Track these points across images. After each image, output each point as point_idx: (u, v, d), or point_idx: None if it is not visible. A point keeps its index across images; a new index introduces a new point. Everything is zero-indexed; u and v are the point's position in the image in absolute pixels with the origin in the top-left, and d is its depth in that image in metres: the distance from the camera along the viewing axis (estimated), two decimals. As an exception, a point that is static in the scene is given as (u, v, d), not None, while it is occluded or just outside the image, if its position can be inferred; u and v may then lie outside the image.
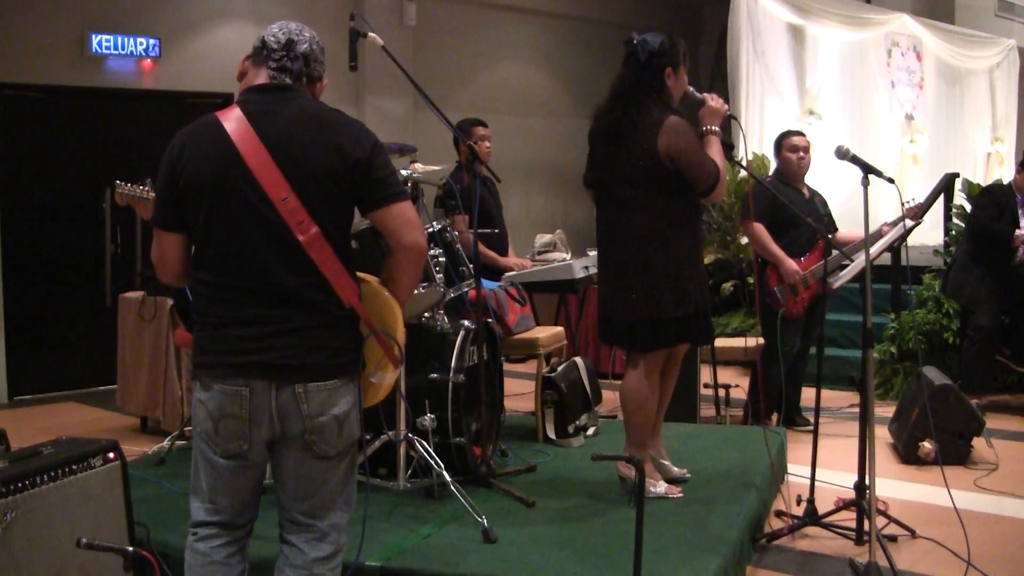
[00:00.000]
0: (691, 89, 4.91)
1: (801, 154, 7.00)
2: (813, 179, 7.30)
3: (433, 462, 4.65)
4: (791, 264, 6.77)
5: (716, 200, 4.71)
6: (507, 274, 6.80)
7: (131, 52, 9.42)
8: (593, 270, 6.89)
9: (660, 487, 4.88)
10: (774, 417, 7.06)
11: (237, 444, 3.02)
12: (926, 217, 9.59)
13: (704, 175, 4.67)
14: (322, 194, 2.95)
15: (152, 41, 9.46)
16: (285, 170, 2.92)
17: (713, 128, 4.82)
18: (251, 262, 2.94)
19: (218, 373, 2.98)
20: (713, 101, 4.85)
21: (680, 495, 4.89)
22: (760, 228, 6.80)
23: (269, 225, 2.92)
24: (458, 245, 5.41)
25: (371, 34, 4.85)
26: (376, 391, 3.19)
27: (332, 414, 3.00)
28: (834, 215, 7.35)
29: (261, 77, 3.12)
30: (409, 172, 4.82)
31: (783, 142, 7.04)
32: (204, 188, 2.96)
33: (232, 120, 2.98)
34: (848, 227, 7.32)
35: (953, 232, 9.71)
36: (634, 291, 4.77)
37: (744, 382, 7.53)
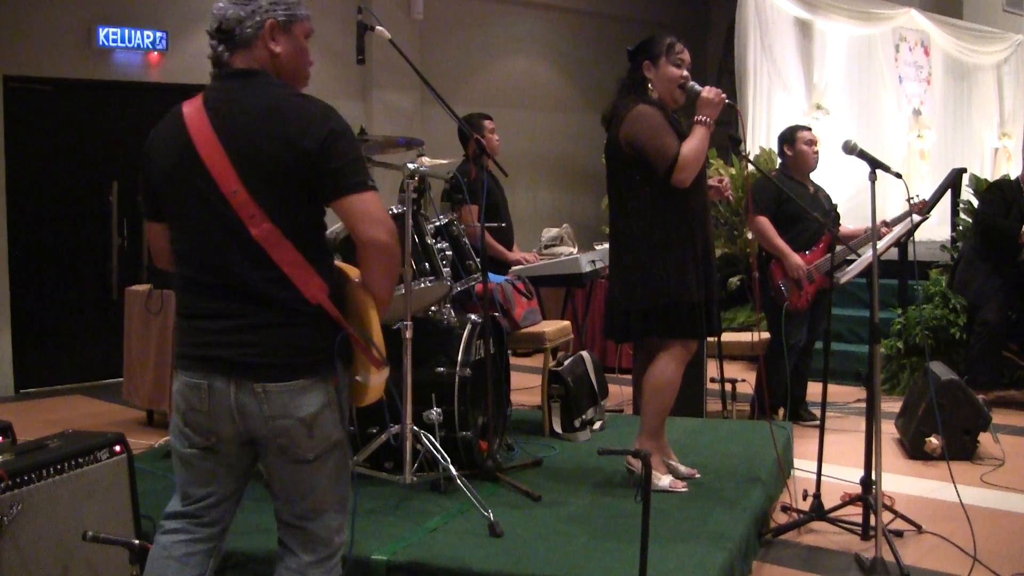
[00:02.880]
0: (691, 83, 4.92)
1: (815, 147, 7.01)
2: (820, 174, 7.29)
3: (439, 456, 4.65)
4: (796, 258, 6.77)
5: (680, 185, 4.73)
6: (514, 268, 6.79)
7: (138, 45, 9.43)
8: (599, 264, 6.88)
9: (664, 481, 4.88)
10: (780, 412, 7.06)
11: (201, 439, 2.94)
12: (933, 212, 9.62)
13: (659, 158, 4.73)
14: (273, 187, 2.79)
15: (159, 34, 9.47)
16: (235, 162, 2.78)
17: (703, 119, 4.84)
18: (212, 256, 2.84)
19: (184, 364, 2.91)
20: (708, 92, 4.87)
21: (685, 490, 4.89)
22: (765, 222, 6.80)
23: (224, 219, 2.79)
24: (465, 239, 5.41)
25: (378, 27, 4.85)
26: (363, 391, 3.01)
27: (296, 416, 2.84)
28: (841, 210, 7.34)
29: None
30: (416, 166, 4.81)
31: (798, 135, 7.02)
32: (166, 181, 2.91)
33: (191, 111, 2.88)
34: (855, 222, 7.31)
35: (960, 227, 9.70)
36: (615, 283, 4.99)
37: (751, 377, 7.52)
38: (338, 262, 3.04)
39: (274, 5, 2.92)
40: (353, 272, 2.99)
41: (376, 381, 2.99)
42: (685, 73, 4.93)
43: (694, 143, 4.78)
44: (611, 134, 4.93)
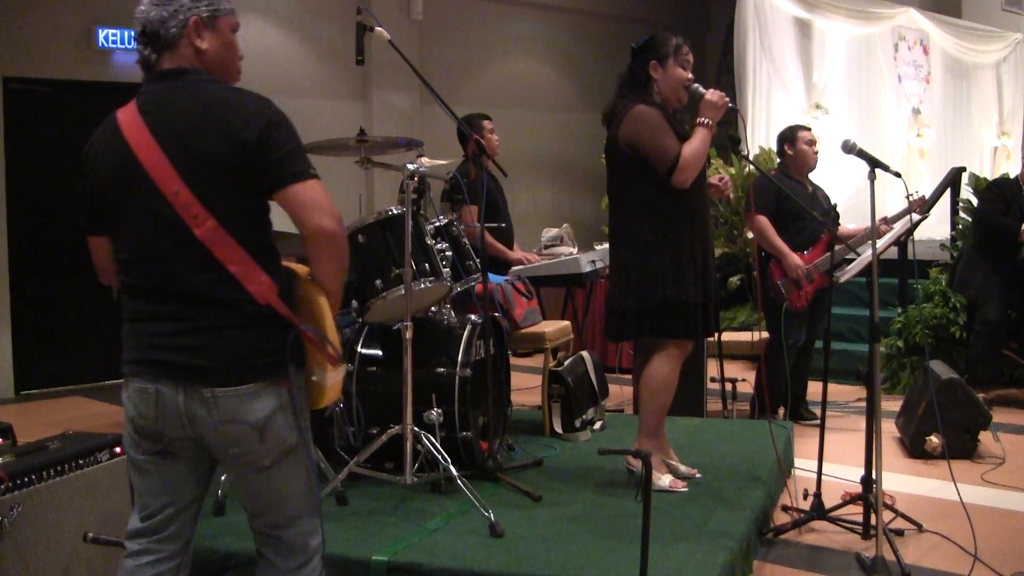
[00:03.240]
0: (696, 85, 4.93)
1: (815, 147, 7.02)
2: (820, 174, 7.29)
3: (440, 456, 4.65)
4: (794, 258, 6.77)
5: (680, 186, 4.74)
6: (514, 268, 6.79)
7: (138, 46, 9.42)
8: (599, 264, 6.88)
9: (664, 480, 4.89)
10: (780, 411, 7.06)
11: (153, 444, 2.88)
12: (933, 211, 9.63)
13: (660, 159, 4.74)
14: (216, 184, 2.73)
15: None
16: (176, 163, 2.73)
17: (705, 120, 4.85)
18: (155, 262, 2.79)
19: (131, 369, 2.86)
20: (711, 94, 4.87)
21: (685, 489, 4.89)
22: (764, 221, 6.80)
23: (167, 222, 2.74)
24: (465, 239, 5.41)
25: (378, 28, 4.85)
26: (320, 391, 2.94)
27: (247, 421, 2.77)
28: (840, 209, 7.35)
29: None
30: (416, 166, 4.81)
31: (798, 135, 7.03)
32: (108, 190, 2.86)
33: (126, 117, 2.83)
34: (855, 221, 7.31)
35: (960, 226, 9.70)
36: (611, 282, 5.01)
37: (751, 376, 7.53)
38: (286, 261, 2.97)
39: (196, 2, 2.87)
40: (301, 270, 2.94)
41: (333, 380, 2.94)
42: (690, 75, 4.94)
43: (695, 144, 4.78)
44: (611, 133, 4.93)
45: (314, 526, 3.01)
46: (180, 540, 3.01)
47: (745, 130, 5.32)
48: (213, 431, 2.78)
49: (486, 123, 7.14)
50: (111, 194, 2.85)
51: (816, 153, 7.03)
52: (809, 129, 7.22)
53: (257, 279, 2.76)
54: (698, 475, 5.10)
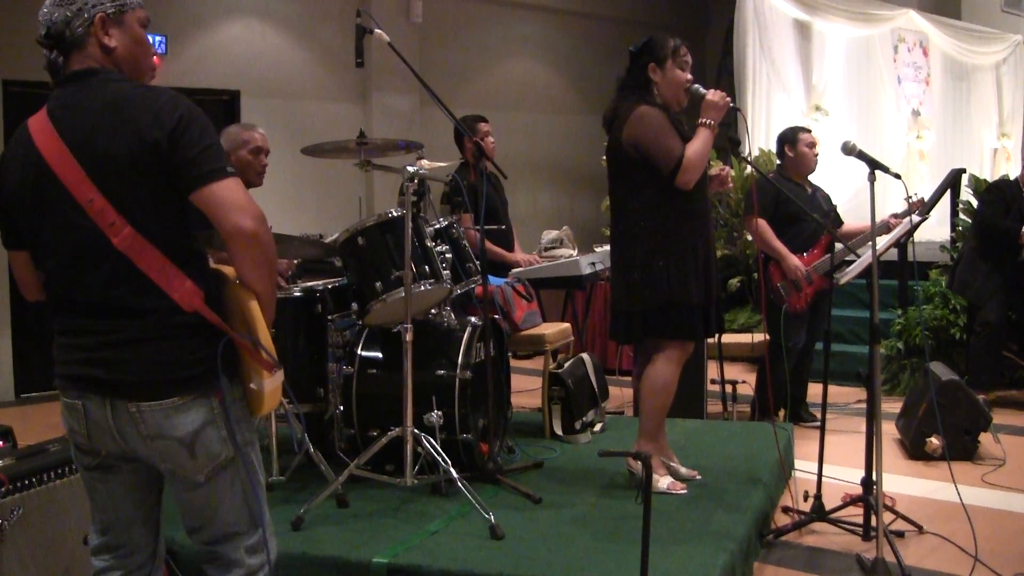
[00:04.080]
0: (696, 86, 4.93)
1: (816, 149, 7.02)
2: (819, 175, 7.30)
3: (440, 458, 4.65)
4: (794, 260, 6.77)
5: (684, 187, 4.75)
6: (514, 270, 6.79)
7: (136, 49, 9.42)
8: (599, 266, 6.89)
9: (663, 482, 4.88)
10: (781, 413, 7.06)
11: (89, 458, 2.80)
12: (933, 213, 9.64)
13: (664, 159, 4.75)
14: (129, 188, 2.59)
15: (158, 38, 9.46)
16: (88, 169, 2.59)
17: (707, 121, 4.85)
18: (74, 274, 2.66)
19: (59, 384, 2.76)
20: (712, 95, 4.88)
21: (684, 491, 4.89)
22: (763, 224, 6.80)
23: (84, 232, 2.61)
24: (464, 241, 5.41)
25: (377, 31, 4.85)
26: (259, 398, 2.77)
27: (174, 436, 2.65)
28: (840, 211, 7.35)
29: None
30: (415, 169, 4.81)
31: (799, 137, 7.02)
32: (22, 202, 2.72)
33: (36, 123, 2.72)
34: (854, 222, 7.31)
35: (960, 228, 9.70)
36: (616, 285, 4.99)
37: (751, 378, 7.53)
38: (214, 264, 2.85)
39: None
40: (230, 272, 2.79)
41: (271, 386, 2.77)
42: (689, 76, 4.95)
43: (698, 145, 4.79)
44: (613, 135, 4.93)
45: (255, 542, 2.87)
46: (143, 553, 2.94)
47: (747, 129, 5.32)
48: (143, 446, 2.69)
49: (482, 125, 7.14)
50: (25, 206, 2.72)
51: (816, 155, 7.03)
52: (810, 131, 7.22)
53: (180, 286, 2.63)
54: (698, 477, 5.10)
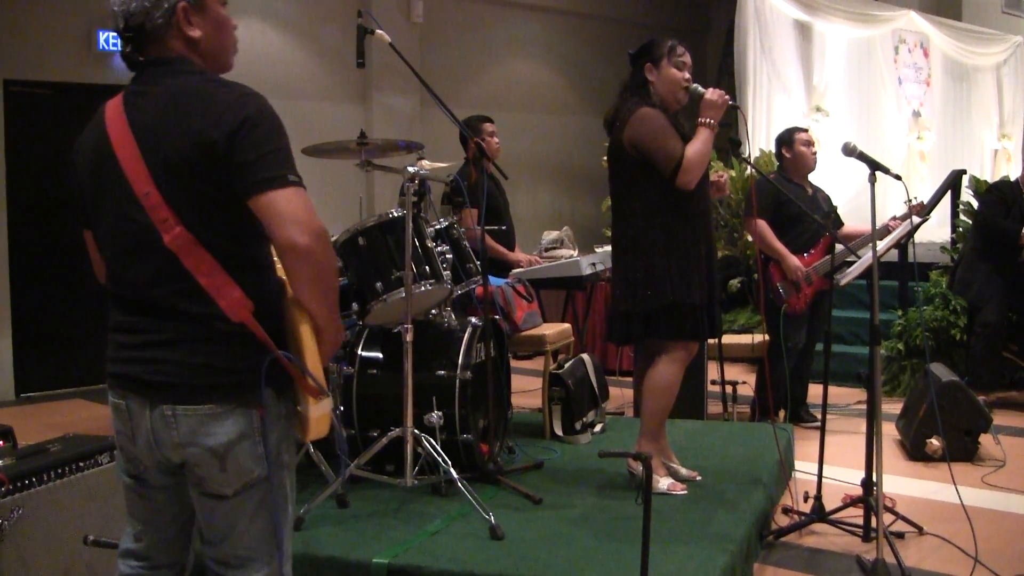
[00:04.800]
0: (695, 85, 4.94)
1: (813, 148, 7.02)
2: (820, 176, 7.30)
3: (440, 459, 4.65)
4: (794, 260, 6.77)
5: (685, 188, 4.75)
6: (514, 271, 6.79)
7: (138, 49, 9.43)
8: (600, 267, 6.89)
9: (663, 483, 4.88)
10: (781, 414, 7.06)
11: (130, 465, 2.70)
12: (933, 214, 9.64)
13: (664, 160, 4.75)
14: (185, 187, 2.48)
15: (159, 38, 9.47)
16: (148, 161, 2.50)
17: (707, 120, 4.85)
18: (124, 268, 2.60)
19: (107, 382, 2.67)
20: (712, 94, 4.88)
21: (684, 492, 4.89)
22: (763, 224, 6.80)
23: (136, 225, 2.53)
24: (465, 242, 5.41)
25: (378, 31, 4.85)
26: (304, 423, 2.63)
27: (206, 445, 2.52)
28: (841, 212, 7.35)
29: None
30: (416, 169, 4.82)
31: (795, 137, 7.03)
32: (88, 185, 2.67)
33: (111, 109, 2.63)
34: (855, 224, 7.32)
35: (960, 229, 9.70)
36: (616, 285, 4.98)
37: (751, 379, 7.52)
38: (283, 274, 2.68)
39: None
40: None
41: (317, 413, 2.60)
42: (687, 75, 4.95)
43: (698, 145, 4.79)
44: (614, 136, 4.93)
45: (267, 575, 2.68)
46: (174, 568, 2.83)
47: (747, 128, 5.33)
48: (176, 453, 2.57)
49: (487, 125, 7.14)
50: (90, 188, 2.67)
51: (814, 154, 7.03)
52: (806, 130, 7.23)
53: (229, 294, 2.50)
54: (698, 478, 5.10)
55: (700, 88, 4.92)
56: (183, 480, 2.66)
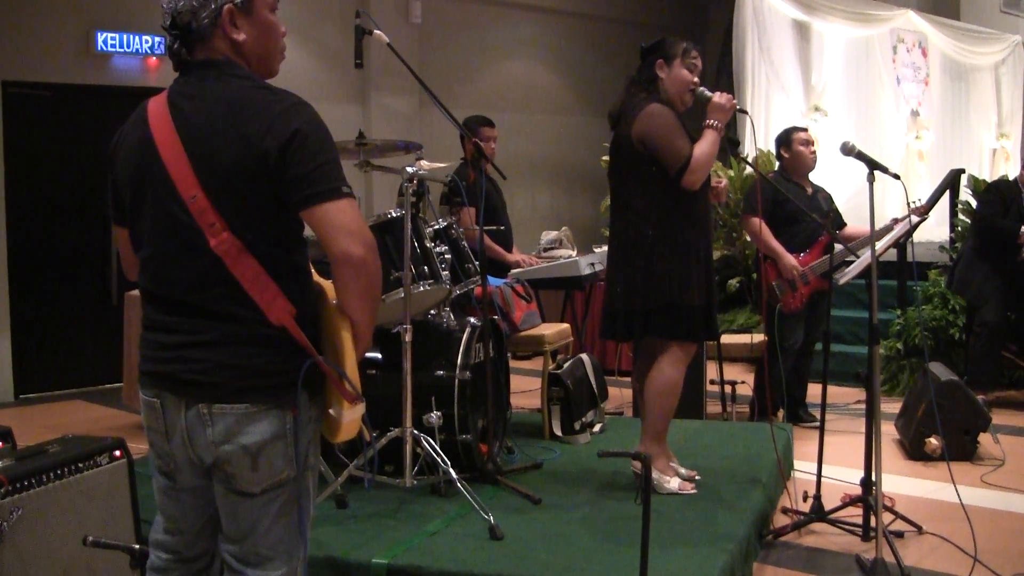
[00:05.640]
0: (701, 88, 4.94)
1: (812, 148, 7.02)
2: (819, 175, 7.29)
3: (439, 459, 4.65)
4: (789, 259, 6.77)
5: (690, 187, 4.75)
6: (513, 271, 6.80)
7: (136, 50, 9.44)
8: (599, 267, 6.89)
9: (673, 483, 4.88)
10: (780, 413, 7.06)
11: (162, 462, 2.74)
12: (932, 213, 9.63)
13: (672, 158, 4.73)
14: (233, 193, 2.52)
15: (158, 39, 9.46)
16: (195, 164, 2.52)
17: (714, 123, 4.85)
18: (165, 268, 2.62)
19: (141, 380, 2.71)
20: (719, 97, 4.89)
21: (693, 491, 4.89)
22: (757, 223, 6.79)
23: (182, 227, 2.55)
24: (464, 242, 5.41)
25: (377, 31, 4.85)
26: (335, 426, 2.70)
27: (240, 443, 2.57)
28: (840, 211, 7.35)
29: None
30: (415, 169, 4.82)
31: (793, 136, 7.03)
32: (128, 183, 2.68)
33: (156, 108, 2.64)
34: (853, 223, 7.32)
35: (959, 228, 9.71)
36: (616, 283, 4.93)
37: (750, 378, 7.52)
38: (319, 279, 2.78)
39: None
40: (331, 294, 2.70)
41: (349, 417, 2.67)
42: (696, 79, 4.95)
43: (705, 146, 4.78)
44: (621, 131, 4.91)
45: (283, 575, 2.73)
46: (203, 560, 2.87)
47: (753, 131, 5.31)
48: (209, 452, 2.61)
49: (485, 129, 7.13)
50: (131, 187, 2.68)
51: (813, 153, 7.03)
52: (805, 129, 7.22)
53: (272, 299, 2.56)
54: (697, 477, 5.10)
55: (707, 92, 4.92)
56: (211, 484, 2.71)
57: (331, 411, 2.70)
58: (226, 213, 2.52)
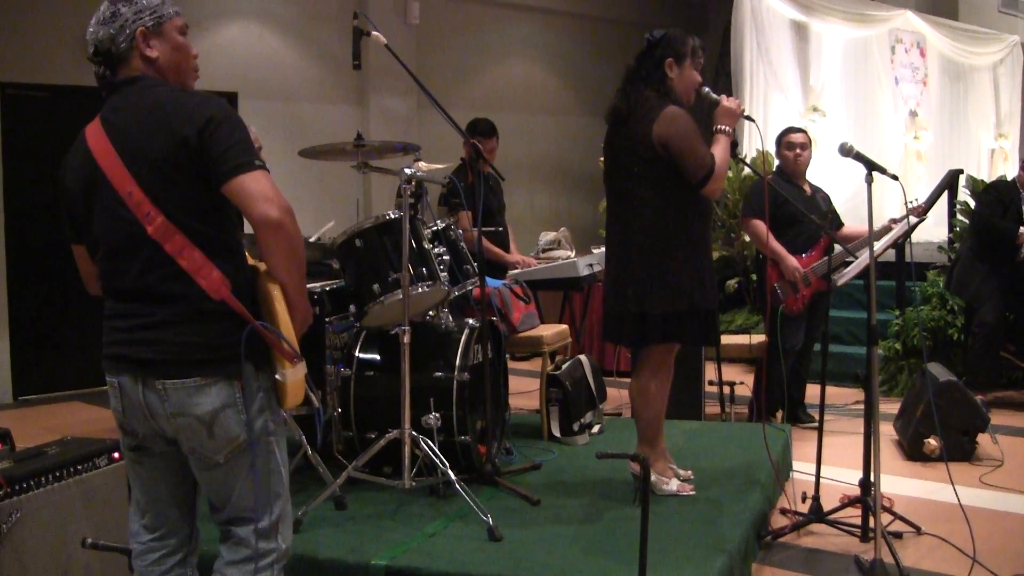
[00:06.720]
0: (707, 90, 4.91)
1: (798, 151, 6.97)
2: (817, 176, 7.29)
3: (438, 460, 4.65)
4: (792, 261, 6.76)
5: (711, 196, 4.72)
6: (511, 272, 6.80)
7: (135, 51, 9.43)
8: (597, 268, 6.89)
9: (672, 485, 4.88)
10: (779, 414, 7.06)
11: (129, 439, 3.00)
12: (930, 214, 9.63)
13: (697, 165, 4.64)
14: (164, 181, 2.81)
15: (156, 40, 9.46)
16: (130, 165, 2.83)
17: (724, 128, 4.82)
18: (115, 262, 2.90)
19: (103, 365, 2.97)
20: (728, 102, 4.86)
21: (692, 493, 4.89)
22: (759, 225, 6.79)
23: (124, 223, 2.84)
24: (462, 243, 5.41)
25: (374, 33, 4.85)
26: (283, 389, 2.94)
27: (193, 415, 2.84)
28: (838, 212, 7.34)
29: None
30: (413, 171, 4.82)
31: (782, 140, 7.04)
32: (78, 199, 2.96)
33: (92, 129, 2.97)
34: (852, 223, 7.32)
35: (957, 229, 9.71)
36: (627, 285, 4.78)
37: (749, 379, 7.53)
38: (253, 260, 3.02)
39: (139, 14, 2.96)
40: (262, 265, 2.97)
41: (294, 378, 2.93)
42: (700, 79, 4.93)
43: (720, 153, 4.74)
44: (635, 130, 4.74)
45: (265, 526, 3.00)
46: (179, 535, 3.13)
47: (760, 134, 5.34)
48: (168, 423, 2.87)
49: (487, 142, 7.05)
50: (80, 202, 2.95)
51: (799, 156, 6.96)
52: (800, 131, 7.15)
53: (208, 274, 2.82)
54: (691, 476, 5.10)
55: (713, 94, 4.90)
56: (179, 450, 2.97)
57: (277, 376, 2.92)
58: (160, 201, 2.81)
